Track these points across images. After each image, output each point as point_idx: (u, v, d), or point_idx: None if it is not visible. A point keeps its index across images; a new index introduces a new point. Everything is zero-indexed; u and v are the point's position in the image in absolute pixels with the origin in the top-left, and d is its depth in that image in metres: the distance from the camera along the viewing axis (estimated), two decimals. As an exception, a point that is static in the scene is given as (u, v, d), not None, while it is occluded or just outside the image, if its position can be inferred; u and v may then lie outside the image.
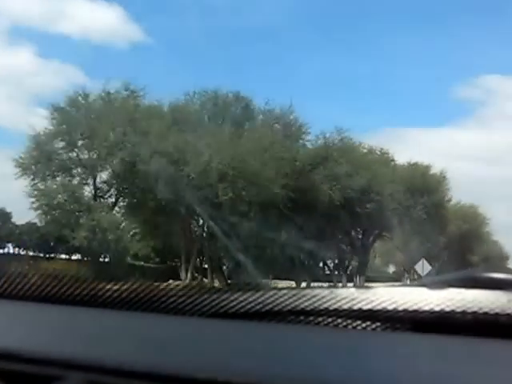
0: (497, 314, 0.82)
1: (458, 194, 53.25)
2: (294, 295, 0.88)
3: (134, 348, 0.74)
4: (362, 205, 37.95)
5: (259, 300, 0.88)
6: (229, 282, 33.99)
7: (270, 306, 0.88)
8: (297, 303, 0.87)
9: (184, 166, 30.44)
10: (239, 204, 31.09)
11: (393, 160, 44.74)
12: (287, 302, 0.87)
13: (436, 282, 0.93)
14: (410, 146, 66.35)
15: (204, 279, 34.73)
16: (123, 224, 33.12)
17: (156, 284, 0.94)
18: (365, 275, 44.35)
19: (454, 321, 0.83)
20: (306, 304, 0.87)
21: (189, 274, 33.36)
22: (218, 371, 0.61)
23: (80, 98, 32.17)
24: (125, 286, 0.93)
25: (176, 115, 32.98)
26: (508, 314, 0.82)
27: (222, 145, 30.82)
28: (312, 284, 33.11)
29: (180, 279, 32.58)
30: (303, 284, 33.86)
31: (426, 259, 40.93)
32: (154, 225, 34.46)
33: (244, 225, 29.12)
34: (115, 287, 0.94)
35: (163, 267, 38.45)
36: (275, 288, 0.96)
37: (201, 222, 34.72)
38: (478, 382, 0.63)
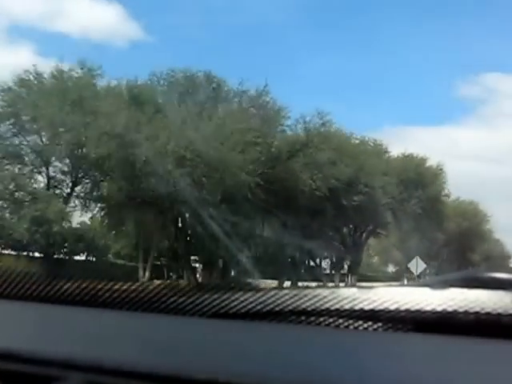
0: (499, 314, 0.82)
1: (459, 192, 52.45)
2: (295, 295, 0.88)
3: (134, 348, 0.73)
4: (349, 197, 35.40)
5: (260, 300, 0.88)
6: (200, 281, 32.11)
7: (271, 306, 0.87)
8: (298, 303, 0.87)
9: (135, 148, 27.05)
10: (201, 193, 28.10)
11: (386, 152, 42.41)
12: (288, 302, 0.87)
13: (438, 282, 0.93)
14: (410, 145, 67.04)
15: (174, 279, 33.18)
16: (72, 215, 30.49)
17: (157, 284, 0.92)
18: (357, 274, 42.55)
19: (456, 321, 0.83)
20: (308, 304, 0.87)
21: (147, 273, 31.01)
22: (219, 372, 0.61)
23: (32, 78, 29.44)
24: (125, 286, 0.93)
25: (135, 95, 30.18)
26: (511, 315, 0.82)
27: (182, 126, 28.16)
28: (299, 284, 31.86)
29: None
30: (287, 283, 33.13)
31: (425, 257, 39.73)
32: (117, 219, 31.95)
33: (208, 217, 27.00)
34: (115, 287, 0.93)
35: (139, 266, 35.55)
36: (263, 288, 0.95)
37: (167, 215, 31.32)
38: (481, 383, 0.63)
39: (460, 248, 52.33)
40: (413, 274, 35.32)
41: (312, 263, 45.47)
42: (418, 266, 32.94)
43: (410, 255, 48.31)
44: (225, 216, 27.02)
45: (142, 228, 32.32)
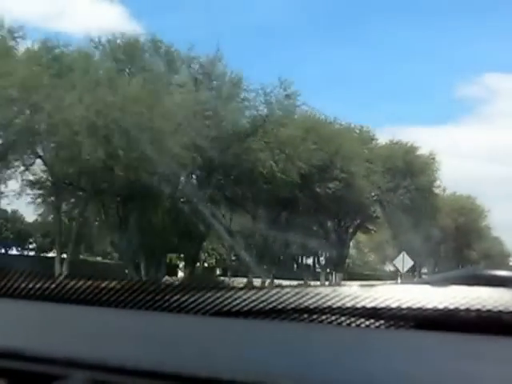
0: (500, 311, 0.82)
1: (458, 191, 50.90)
2: (297, 293, 0.88)
3: (137, 346, 0.74)
4: (323, 184, 31.99)
5: (263, 298, 0.88)
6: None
7: (274, 303, 0.88)
8: (300, 301, 0.87)
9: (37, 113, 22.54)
10: (121, 171, 23.29)
11: (373, 139, 39.47)
12: (291, 300, 0.87)
13: (439, 280, 0.94)
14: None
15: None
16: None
17: (160, 282, 0.93)
18: (343, 272, 38.51)
19: (457, 318, 0.84)
20: (310, 302, 0.87)
21: (64, 268, 25.62)
22: (222, 369, 0.61)
23: None
24: (128, 285, 0.92)
25: (56, 58, 25.29)
26: (511, 312, 0.82)
27: (97, 88, 23.12)
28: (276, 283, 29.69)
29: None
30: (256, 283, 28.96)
31: (420, 255, 37.74)
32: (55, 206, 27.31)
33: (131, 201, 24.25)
34: (118, 286, 0.94)
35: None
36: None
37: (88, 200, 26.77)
38: (481, 379, 0.63)
39: (457, 245, 50.11)
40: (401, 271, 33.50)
41: (294, 260, 44.51)
42: (404, 262, 29.37)
43: (401, 252, 49.30)
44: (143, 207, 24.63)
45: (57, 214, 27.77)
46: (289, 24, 63.29)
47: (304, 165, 29.37)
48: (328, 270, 39.99)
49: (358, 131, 38.45)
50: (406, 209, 38.30)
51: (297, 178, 29.15)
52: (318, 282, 33.64)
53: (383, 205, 38.82)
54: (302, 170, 29.55)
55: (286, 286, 0.94)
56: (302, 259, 46.90)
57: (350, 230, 40.26)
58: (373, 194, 37.30)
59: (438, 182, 41.92)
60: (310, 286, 0.95)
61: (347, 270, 46.70)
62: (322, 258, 43.50)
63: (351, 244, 47.87)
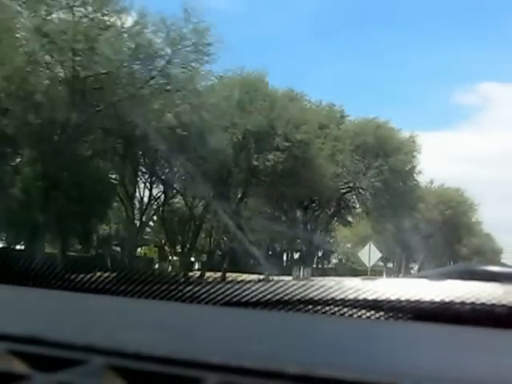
0: (493, 304, 0.87)
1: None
2: (303, 285, 0.92)
3: (152, 334, 0.76)
4: (261, 157, 26.49)
5: (270, 290, 0.93)
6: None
7: (281, 295, 0.92)
8: (306, 293, 0.92)
9: None
10: None
11: (344, 116, 35.18)
12: (297, 292, 0.92)
13: (436, 275, 0.98)
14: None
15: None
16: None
17: (174, 274, 0.97)
18: (311, 266, 33.96)
19: (452, 311, 0.88)
20: (315, 294, 0.91)
21: None
22: (231, 356, 0.62)
23: None
24: (143, 276, 0.96)
25: None
26: (504, 305, 0.86)
27: None
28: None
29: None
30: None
31: (407, 250, 37.45)
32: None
33: None
34: (134, 277, 0.97)
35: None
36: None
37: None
38: (475, 368, 0.65)
39: (447, 240, 46.78)
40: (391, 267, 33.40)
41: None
42: (371, 254, 24.76)
43: (387, 247, 43.01)
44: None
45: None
46: (296, 33, 63.07)
47: (236, 130, 25.18)
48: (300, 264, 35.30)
49: (327, 108, 35.21)
50: (381, 195, 34.21)
51: (228, 146, 24.56)
52: (281, 278, 28.66)
53: (355, 190, 34.71)
54: (235, 137, 25.32)
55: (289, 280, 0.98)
56: (272, 251, 43.00)
57: (321, 220, 35.67)
58: (342, 177, 33.18)
59: (419, 168, 36.42)
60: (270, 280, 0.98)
61: (340, 265, 44.52)
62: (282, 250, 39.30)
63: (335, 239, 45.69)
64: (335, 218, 38.06)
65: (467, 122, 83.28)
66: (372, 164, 33.85)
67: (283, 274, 24.92)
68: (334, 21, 66.52)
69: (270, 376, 0.57)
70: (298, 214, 34.63)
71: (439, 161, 78.95)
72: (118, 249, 32.96)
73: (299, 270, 33.22)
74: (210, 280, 1.03)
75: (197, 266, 37.05)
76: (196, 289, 0.95)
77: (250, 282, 0.95)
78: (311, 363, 0.61)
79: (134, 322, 0.86)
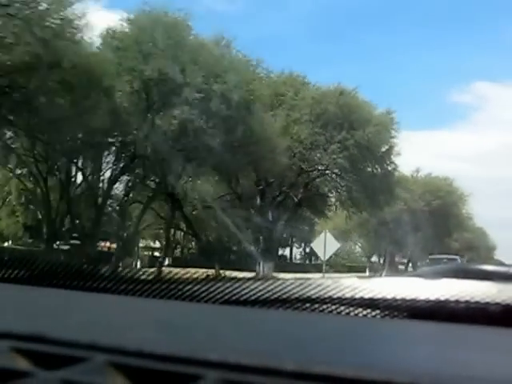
0: (487, 303, 0.88)
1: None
2: (300, 284, 0.94)
3: (153, 332, 0.77)
4: (166, 113, 21.13)
5: (268, 288, 0.94)
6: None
7: (279, 293, 0.94)
8: (303, 291, 0.93)
9: None
10: None
11: (306, 83, 29.61)
12: (294, 291, 0.93)
13: (431, 273, 1.00)
14: (405, 147, 66.02)
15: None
16: None
17: (174, 272, 0.98)
18: (273, 261, 27.56)
19: (447, 309, 0.90)
20: (312, 292, 0.93)
21: None
22: (230, 353, 0.63)
23: None
24: (145, 275, 0.97)
25: None
26: (498, 303, 0.88)
27: None
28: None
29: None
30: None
31: (393, 244, 34.53)
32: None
33: None
34: (137, 275, 0.98)
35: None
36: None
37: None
38: (469, 365, 0.66)
39: (435, 233, 40.56)
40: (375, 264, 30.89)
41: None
42: (326, 246, 20.44)
43: (369, 241, 42.58)
44: None
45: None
46: (294, 35, 63.11)
47: (132, 77, 20.21)
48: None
49: (286, 76, 29.73)
50: (348, 176, 29.23)
51: (124, 98, 20.11)
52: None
53: (324, 172, 29.05)
54: (129, 87, 20.29)
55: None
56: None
57: (286, 208, 29.66)
58: (302, 154, 27.58)
59: (397, 149, 30.27)
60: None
61: (330, 261, 41.91)
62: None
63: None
64: (303, 207, 32.36)
65: (462, 121, 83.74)
66: (335, 137, 28.00)
67: (245, 270, 21.90)
68: (331, 22, 66.95)
69: (268, 373, 0.58)
70: (258, 200, 28.92)
71: (434, 159, 78.79)
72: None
73: (258, 265, 27.28)
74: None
75: (167, 262, 34.59)
76: (196, 287, 0.97)
77: (248, 280, 0.97)
78: (309, 361, 0.62)
79: (135, 320, 0.87)
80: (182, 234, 39.77)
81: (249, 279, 0.97)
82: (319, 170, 29.10)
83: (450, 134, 76.60)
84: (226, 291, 0.95)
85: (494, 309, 0.88)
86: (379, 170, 30.12)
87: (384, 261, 44.08)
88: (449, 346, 0.77)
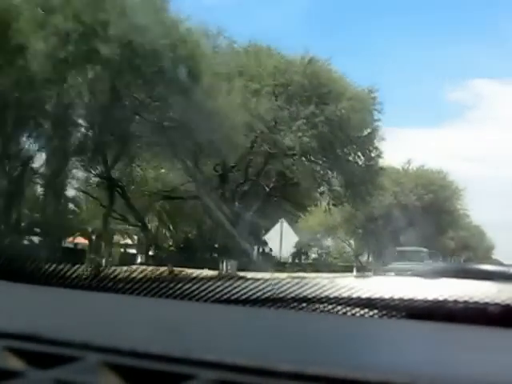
0: (486, 303, 0.87)
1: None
2: (297, 283, 0.93)
3: (147, 331, 0.77)
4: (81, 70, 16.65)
5: (263, 287, 0.93)
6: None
7: (275, 293, 0.93)
8: (300, 291, 0.92)
9: None
10: None
11: (273, 54, 25.09)
12: (290, 290, 0.93)
13: (430, 273, 0.99)
14: (400, 144, 65.75)
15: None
16: None
17: (169, 271, 0.97)
18: (236, 259, 22.68)
19: (446, 309, 0.89)
20: (308, 292, 0.92)
21: None
22: (224, 353, 0.62)
23: None
24: (140, 274, 0.96)
25: None
26: (497, 304, 0.87)
27: None
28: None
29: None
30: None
31: (384, 241, 31.59)
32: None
33: None
34: (132, 274, 0.98)
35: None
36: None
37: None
38: (468, 366, 0.65)
39: (429, 231, 35.28)
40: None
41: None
42: (283, 239, 16.60)
43: (357, 238, 38.80)
44: None
45: None
46: (290, 30, 63.07)
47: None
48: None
49: (251, 46, 25.44)
50: (319, 160, 25.54)
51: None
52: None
53: (285, 151, 24.28)
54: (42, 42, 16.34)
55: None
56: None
57: (256, 199, 25.26)
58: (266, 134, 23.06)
59: (381, 133, 26.72)
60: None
61: (319, 260, 38.40)
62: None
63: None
64: (276, 198, 28.18)
65: (460, 119, 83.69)
66: (301, 113, 23.68)
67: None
68: (327, 18, 66.68)
69: (262, 373, 0.58)
70: (220, 189, 24.69)
71: (432, 158, 78.61)
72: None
73: (221, 263, 24.05)
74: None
75: (139, 260, 32.82)
76: (190, 286, 0.96)
77: (243, 279, 0.96)
78: (304, 361, 0.61)
79: (129, 319, 0.86)
80: (164, 230, 37.66)
81: (243, 278, 0.95)
82: (287, 154, 24.80)
83: (446, 131, 76.57)
84: (221, 290, 0.95)
85: (493, 309, 0.87)
86: (360, 156, 26.69)
87: (374, 260, 40.62)
88: (447, 347, 0.76)
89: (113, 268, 1.03)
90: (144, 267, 1.06)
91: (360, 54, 66.50)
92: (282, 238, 16.89)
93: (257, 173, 25.85)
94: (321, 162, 26.46)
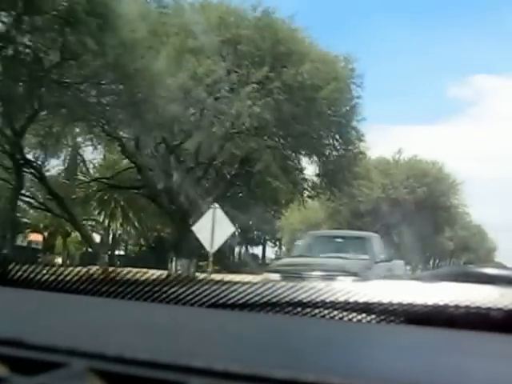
0: (489, 308, 0.85)
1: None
2: (291, 287, 0.91)
3: (135, 336, 0.76)
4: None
5: (258, 291, 0.91)
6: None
7: (268, 297, 0.90)
8: (294, 295, 0.90)
9: None
10: None
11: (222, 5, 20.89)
12: (285, 294, 0.90)
13: (429, 277, 0.97)
14: (401, 142, 66.09)
15: None
16: None
17: (157, 274, 0.96)
18: (189, 258, 19.67)
19: (446, 314, 0.87)
20: (303, 296, 0.90)
21: None
22: (216, 359, 0.62)
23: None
24: (127, 276, 0.95)
25: None
26: (499, 309, 0.85)
27: None
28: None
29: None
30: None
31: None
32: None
33: None
34: (118, 277, 0.97)
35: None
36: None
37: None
38: (469, 373, 0.65)
39: (424, 229, 32.00)
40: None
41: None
42: (215, 229, 13.31)
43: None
44: None
45: None
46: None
47: None
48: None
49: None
50: (286, 141, 21.26)
51: None
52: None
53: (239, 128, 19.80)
54: None
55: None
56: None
57: (214, 188, 21.95)
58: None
59: (361, 111, 22.73)
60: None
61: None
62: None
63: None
64: (239, 188, 24.39)
65: (461, 115, 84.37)
66: (251, 76, 19.32)
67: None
68: (328, 14, 67.38)
69: (256, 380, 0.57)
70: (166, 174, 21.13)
71: (433, 156, 79.36)
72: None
73: (170, 262, 20.86)
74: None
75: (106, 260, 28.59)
76: (181, 290, 0.94)
77: (237, 283, 0.94)
78: (299, 367, 0.60)
79: (116, 323, 0.85)
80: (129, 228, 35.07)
81: (237, 282, 0.93)
82: (241, 131, 20.27)
83: (446, 128, 77.01)
84: (213, 294, 0.92)
85: (496, 314, 0.85)
86: (338, 138, 22.27)
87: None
88: (448, 353, 0.75)
89: (64, 268, 1.01)
90: (80, 268, 1.03)
91: (362, 52, 67.08)
92: (213, 228, 13.45)
93: (211, 156, 21.33)
94: (283, 142, 21.68)
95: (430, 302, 0.87)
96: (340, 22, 69.96)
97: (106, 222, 34.64)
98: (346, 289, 0.90)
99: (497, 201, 73.48)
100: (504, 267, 1.13)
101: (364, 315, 0.90)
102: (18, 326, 0.78)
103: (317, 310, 0.90)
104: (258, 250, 49.29)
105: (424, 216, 32.18)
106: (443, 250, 40.60)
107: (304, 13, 50.63)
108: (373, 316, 0.90)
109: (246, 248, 39.25)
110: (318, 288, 0.90)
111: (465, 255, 47.29)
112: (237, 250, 44.73)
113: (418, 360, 0.70)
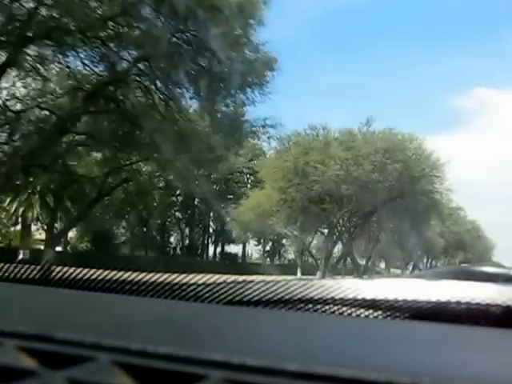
0: (488, 304, 0.90)
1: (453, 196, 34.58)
2: (303, 285, 0.95)
3: (157, 332, 0.78)
4: None
5: (271, 289, 0.95)
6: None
7: (281, 294, 0.95)
8: (306, 292, 0.94)
9: None
10: None
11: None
12: (297, 291, 0.95)
13: (433, 275, 1.01)
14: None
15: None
16: None
17: (177, 273, 0.99)
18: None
19: (448, 310, 0.91)
20: (315, 293, 0.94)
21: None
22: (233, 353, 0.63)
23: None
24: (149, 276, 0.98)
25: None
26: (498, 305, 0.89)
27: None
28: None
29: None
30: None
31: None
32: None
33: None
34: (141, 276, 1.01)
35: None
36: None
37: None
38: (470, 366, 0.66)
39: (399, 219, 27.49)
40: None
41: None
42: None
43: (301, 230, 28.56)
44: None
45: None
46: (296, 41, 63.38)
47: None
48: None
49: None
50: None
51: None
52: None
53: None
54: None
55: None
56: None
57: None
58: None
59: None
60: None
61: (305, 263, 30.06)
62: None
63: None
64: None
65: (465, 126, 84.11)
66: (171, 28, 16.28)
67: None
68: (335, 29, 67.55)
69: (270, 373, 0.59)
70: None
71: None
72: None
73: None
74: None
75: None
76: (199, 288, 0.98)
77: (251, 281, 0.98)
78: (311, 361, 0.62)
79: (139, 320, 0.88)
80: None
81: (251, 280, 0.98)
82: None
83: (451, 138, 76.64)
84: (230, 291, 0.97)
85: (495, 310, 0.89)
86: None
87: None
88: (450, 347, 0.78)
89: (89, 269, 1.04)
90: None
91: (368, 66, 67.04)
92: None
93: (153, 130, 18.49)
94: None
95: (433, 299, 0.92)
96: (345, 37, 70.01)
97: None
98: (355, 287, 0.95)
99: (497, 201, 73.47)
100: (501, 267, 1.18)
101: (371, 311, 0.95)
102: (47, 322, 0.80)
103: (327, 307, 0.95)
104: (237, 249, 46.42)
105: (399, 202, 26.51)
106: (433, 248, 34.28)
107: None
108: (379, 312, 0.95)
109: (222, 247, 36.17)
110: (328, 286, 0.95)
111: (459, 254, 43.98)
112: (211, 249, 41.50)
113: (422, 353, 0.73)
